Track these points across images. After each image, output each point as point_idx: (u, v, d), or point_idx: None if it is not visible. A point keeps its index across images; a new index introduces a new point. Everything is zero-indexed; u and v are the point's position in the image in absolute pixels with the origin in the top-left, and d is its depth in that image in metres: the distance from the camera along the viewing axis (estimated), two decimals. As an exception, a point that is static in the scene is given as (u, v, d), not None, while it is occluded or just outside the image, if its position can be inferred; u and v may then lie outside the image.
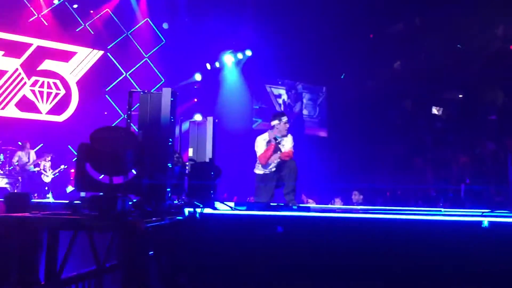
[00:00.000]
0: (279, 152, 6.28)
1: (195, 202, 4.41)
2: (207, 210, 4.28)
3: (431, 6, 12.70)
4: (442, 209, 6.41)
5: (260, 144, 6.42)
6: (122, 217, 3.40)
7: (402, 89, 14.61)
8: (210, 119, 5.20)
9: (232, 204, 5.47)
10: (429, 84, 13.97)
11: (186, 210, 4.15)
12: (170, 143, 4.05)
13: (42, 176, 11.42)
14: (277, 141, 6.28)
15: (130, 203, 3.65)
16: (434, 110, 14.77)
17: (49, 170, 11.49)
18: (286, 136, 6.39)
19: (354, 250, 3.75)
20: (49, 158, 11.57)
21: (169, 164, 4.01)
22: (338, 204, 9.43)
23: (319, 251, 3.79)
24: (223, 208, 4.96)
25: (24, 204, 4.20)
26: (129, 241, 3.20)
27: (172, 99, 4.06)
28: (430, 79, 13.63)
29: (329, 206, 8.72)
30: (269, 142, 6.41)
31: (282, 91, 15.89)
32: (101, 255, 4.34)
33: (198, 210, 4.13)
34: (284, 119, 6.43)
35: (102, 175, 4.44)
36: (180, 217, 4.03)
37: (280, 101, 15.77)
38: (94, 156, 3.57)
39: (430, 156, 13.80)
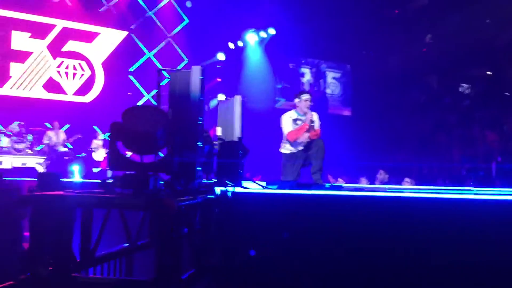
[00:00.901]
0: (308, 132, 6.23)
1: (226, 181, 4.40)
2: (238, 189, 4.27)
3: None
4: (473, 188, 6.28)
5: (286, 121, 6.38)
6: (155, 196, 3.42)
7: (428, 65, 14.32)
8: (238, 98, 5.12)
9: (263, 183, 5.46)
10: (456, 60, 13.65)
11: (217, 189, 4.14)
12: (200, 122, 4.03)
13: (93, 154, 11.65)
14: (312, 123, 6.25)
15: (161, 182, 3.66)
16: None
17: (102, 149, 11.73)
18: (306, 113, 6.32)
19: (387, 228, 3.71)
20: (101, 137, 11.79)
21: (199, 143, 3.99)
22: (364, 183, 9.37)
23: (354, 230, 3.75)
24: (254, 187, 4.95)
25: (56, 184, 4.25)
26: (163, 220, 3.22)
27: (201, 77, 4.02)
28: (457, 55, 13.30)
29: (358, 185, 8.66)
30: (295, 120, 6.37)
31: (306, 70, 15.72)
32: (133, 233, 4.39)
33: (230, 189, 4.12)
34: (304, 96, 6.39)
35: (130, 154, 4.47)
36: (211, 196, 4.03)
37: (304, 80, 15.61)
38: (126, 134, 3.58)
39: (457, 133, 13.56)
